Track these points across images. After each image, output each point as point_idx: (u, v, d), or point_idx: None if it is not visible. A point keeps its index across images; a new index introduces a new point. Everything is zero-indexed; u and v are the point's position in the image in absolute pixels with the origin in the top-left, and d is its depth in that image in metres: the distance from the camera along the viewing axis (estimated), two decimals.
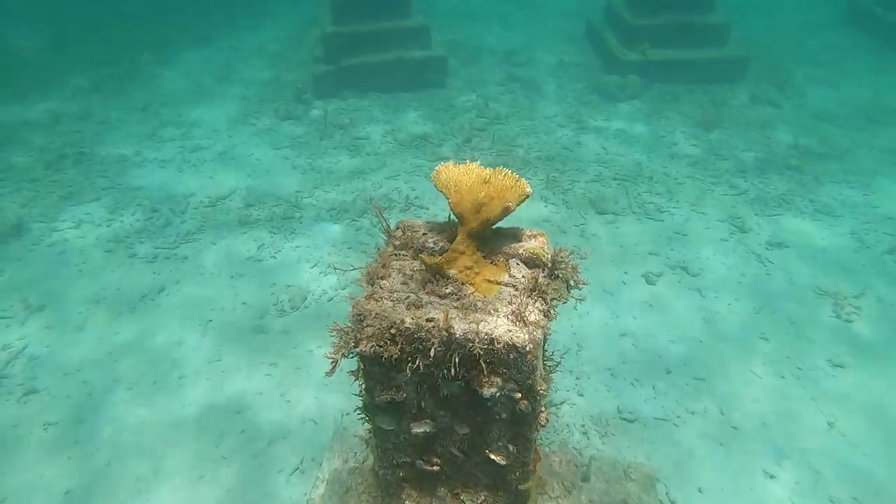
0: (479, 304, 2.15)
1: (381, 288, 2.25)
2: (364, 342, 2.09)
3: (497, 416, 2.28)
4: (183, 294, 5.84)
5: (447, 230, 2.49)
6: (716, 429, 4.57)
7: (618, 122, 8.78)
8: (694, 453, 4.40)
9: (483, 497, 2.57)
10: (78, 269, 6.18)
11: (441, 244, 2.43)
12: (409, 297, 2.17)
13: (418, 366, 2.07)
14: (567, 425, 4.59)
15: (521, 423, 2.31)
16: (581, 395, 4.83)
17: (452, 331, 2.02)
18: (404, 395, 2.25)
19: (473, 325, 2.04)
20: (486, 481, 2.55)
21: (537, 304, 2.18)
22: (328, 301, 5.73)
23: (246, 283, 5.97)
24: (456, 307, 2.13)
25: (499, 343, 2.02)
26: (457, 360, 2.04)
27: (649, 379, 4.95)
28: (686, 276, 6.00)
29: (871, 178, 7.48)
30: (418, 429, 2.32)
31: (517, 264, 2.35)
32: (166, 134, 8.63)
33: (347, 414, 4.51)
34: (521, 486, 2.54)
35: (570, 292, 2.37)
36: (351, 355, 2.17)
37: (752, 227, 6.67)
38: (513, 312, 2.10)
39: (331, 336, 2.14)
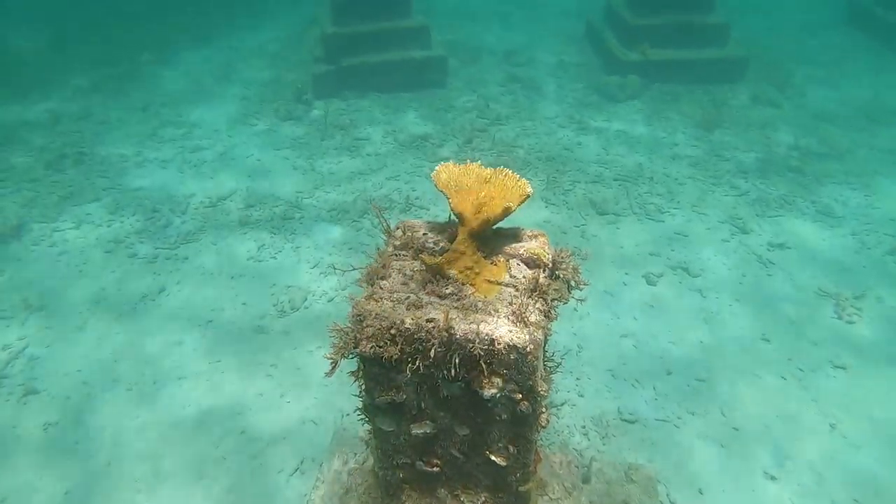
0: (480, 304, 2.14)
1: (381, 288, 2.24)
2: (364, 343, 2.08)
3: (497, 417, 2.27)
4: (183, 294, 5.84)
5: (447, 230, 2.49)
6: (717, 430, 4.56)
7: (618, 122, 8.77)
8: (695, 454, 4.39)
9: (483, 498, 2.57)
10: (78, 269, 6.17)
11: (441, 244, 2.43)
12: (409, 297, 2.16)
13: (418, 366, 2.06)
14: (568, 426, 4.58)
15: (521, 425, 2.31)
16: (581, 396, 4.82)
17: (453, 331, 2.01)
18: (404, 396, 2.24)
19: (474, 326, 2.03)
20: (486, 482, 2.54)
21: (538, 305, 2.17)
22: (328, 301, 5.72)
23: (246, 283, 5.96)
24: (456, 308, 2.13)
25: (499, 344, 2.02)
26: (457, 360, 2.04)
27: (650, 380, 4.94)
28: (687, 276, 5.99)
29: (872, 179, 7.47)
30: (418, 430, 2.31)
31: (518, 265, 2.34)
32: (166, 134, 8.62)
33: (347, 415, 4.50)
34: (521, 488, 2.53)
35: (570, 293, 2.36)
36: (351, 356, 2.16)
37: (753, 227, 6.66)
38: (513, 313, 2.10)
39: (330, 336, 2.13)
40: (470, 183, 2.42)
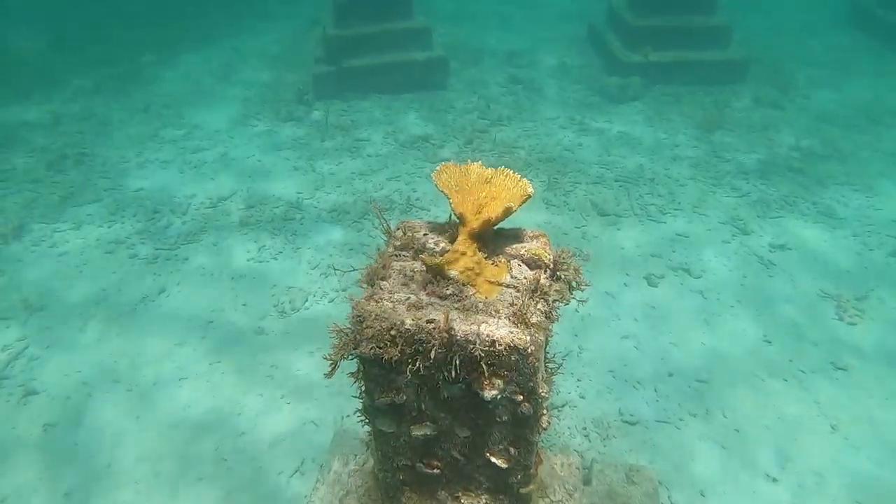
0: (481, 305, 2.13)
1: (382, 289, 2.23)
2: (364, 343, 2.07)
3: (498, 419, 2.26)
4: (183, 295, 5.83)
5: (448, 231, 2.48)
6: (718, 432, 4.54)
7: (619, 123, 8.77)
8: (696, 456, 4.38)
9: (484, 500, 2.55)
10: (78, 269, 6.17)
11: (442, 245, 2.42)
12: (409, 298, 2.15)
13: (418, 368, 2.05)
14: (569, 428, 4.57)
15: (522, 426, 2.29)
16: (582, 398, 4.80)
17: (453, 332, 2.00)
18: (404, 398, 2.23)
19: (474, 327, 2.02)
20: (486, 485, 2.53)
21: (539, 306, 2.16)
22: (329, 302, 5.71)
23: (246, 284, 5.96)
24: (457, 308, 2.12)
25: (500, 345, 2.00)
26: (457, 361, 2.02)
27: (651, 381, 4.93)
28: (688, 278, 5.98)
29: (874, 181, 7.46)
30: (418, 431, 2.30)
31: (519, 265, 2.33)
32: (167, 135, 8.63)
33: (348, 416, 4.49)
34: (522, 490, 2.52)
35: (572, 294, 2.35)
36: (351, 357, 2.15)
37: (754, 229, 6.65)
38: (514, 314, 2.08)
39: (330, 337, 2.12)
40: (471, 183, 2.41)
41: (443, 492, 2.57)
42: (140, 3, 12.82)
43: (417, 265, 2.33)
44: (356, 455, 3.29)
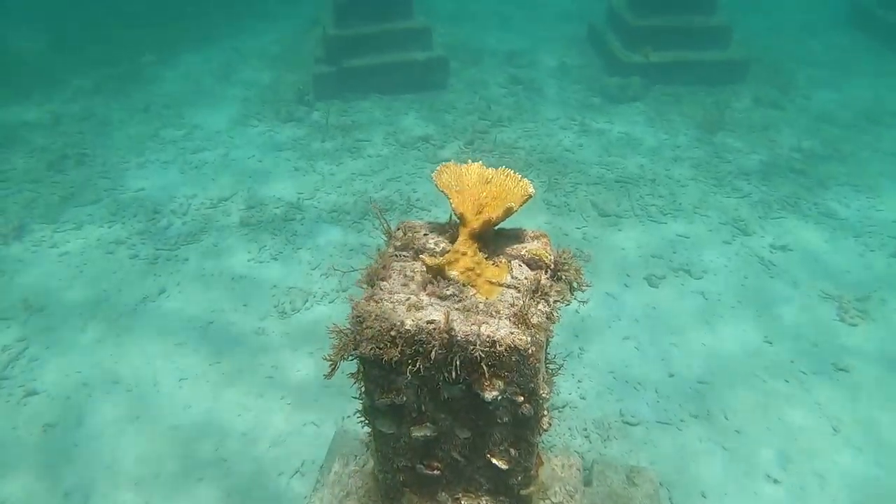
0: (481, 305, 2.12)
1: (382, 289, 2.22)
2: (364, 344, 2.06)
3: (499, 420, 2.25)
4: (184, 296, 5.82)
5: (448, 231, 2.47)
6: (719, 433, 4.53)
7: (620, 124, 8.76)
8: (697, 457, 4.37)
9: (484, 502, 2.54)
10: (79, 270, 6.16)
11: (442, 245, 2.41)
12: (409, 298, 2.14)
13: (419, 368, 2.04)
14: (569, 429, 4.56)
15: (523, 427, 2.28)
16: (583, 399, 4.79)
17: (453, 333, 1.99)
18: (404, 399, 2.22)
19: (475, 327, 2.01)
20: (487, 486, 2.52)
21: (540, 306, 2.15)
22: (329, 303, 5.71)
23: (247, 284, 5.95)
24: (457, 309, 2.11)
25: (501, 345, 2.00)
26: (458, 362, 2.01)
27: (652, 382, 4.92)
28: (689, 279, 5.97)
29: (876, 181, 7.45)
30: (419, 432, 2.29)
31: (519, 266, 2.32)
32: (168, 135, 8.62)
33: (348, 417, 4.48)
34: (523, 491, 2.51)
35: (572, 294, 2.34)
36: (350, 357, 2.14)
37: (755, 230, 6.63)
38: (515, 314, 2.08)
39: (330, 338, 2.12)
40: (471, 183, 2.41)
41: (443, 493, 2.56)
42: (140, 3, 12.82)
43: (418, 265, 2.32)
44: (356, 456, 3.28)
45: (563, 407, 4.70)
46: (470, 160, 2.52)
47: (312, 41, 10.47)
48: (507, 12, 12.85)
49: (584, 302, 2.45)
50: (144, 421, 4.66)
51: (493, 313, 2.09)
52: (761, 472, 4.27)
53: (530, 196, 2.36)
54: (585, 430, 4.55)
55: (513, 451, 2.36)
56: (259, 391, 4.88)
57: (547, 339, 2.17)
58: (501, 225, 2.38)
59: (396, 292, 2.20)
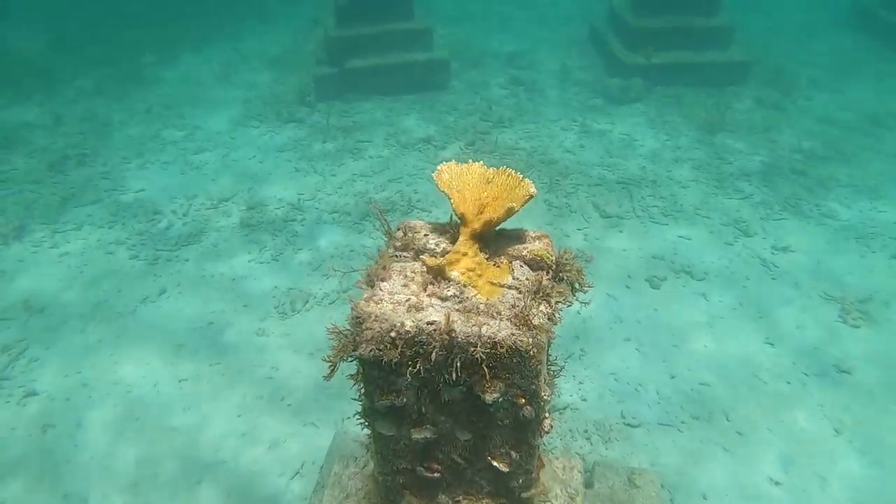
0: (482, 306, 2.11)
1: (382, 290, 2.20)
2: (363, 345, 2.05)
3: (499, 422, 2.23)
4: (184, 296, 5.81)
5: (449, 231, 2.45)
6: (720, 435, 4.51)
7: (621, 125, 8.75)
8: (698, 459, 4.35)
9: None
10: (79, 270, 6.16)
11: (443, 246, 2.39)
12: (409, 299, 2.13)
13: (419, 370, 2.03)
14: (570, 430, 4.54)
15: (524, 429, 2.27)
16: (584, 400, 4.78)
17: (454, 334, 1.98)
18: (404, 400, 2.21)
19: (476, 329, 2.00)
20: (488, 489, 2.51)
21: (541, 308, 2.13)
22: (329, 304, 5.69)
23: (247, 285, 5.94)
24: (458, 310, 2.09)
25: (502, 347, 1.98)
26: (458, 364, 2.00)
27: (653, 384, 4.90)
28: (690, 280, 5.95)
29: (877, 183, 7.43)
30: (419, 434, 2.28)
31: (521, 266, 2.31)
32: (168, 136, 8.62)
33: (348, 418, 4.47)
34: (524, 494, 2.49)
35: (574, 295, 2.33)
36: (350, 359, 2.13)
37: (756, 231, 6.62)
38: (516, 315, 2.06)
39: (330, 339, 2.10)
40: (472, 183, 2.39)
41: (443, 496, 2.55)
42: (140, 3, 12.83)
43: (418, 266, 2.31)
44: (356, 458, 3.26)
45: (565, 409, 4.69)
46: (471, 161, 2.50)
47: (313, 42, 10.47)
48: (508, 13, 12.85)
49: (585, 303, 2.44)
50: (144, 422, 4.65)
51: (495, 314, 2.08)
52: (763, 474, 4.25)
53: (532, 196, 2.34)
54: (586, 431, 4.53)
55: (514, 454, 2.35)
56: (259, 392, 4.87)
57: (548, 341, 2.15)
58: (503, 225, 2.36)
59: (396, 293, 2.18)
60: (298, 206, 7.07)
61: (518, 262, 2.33)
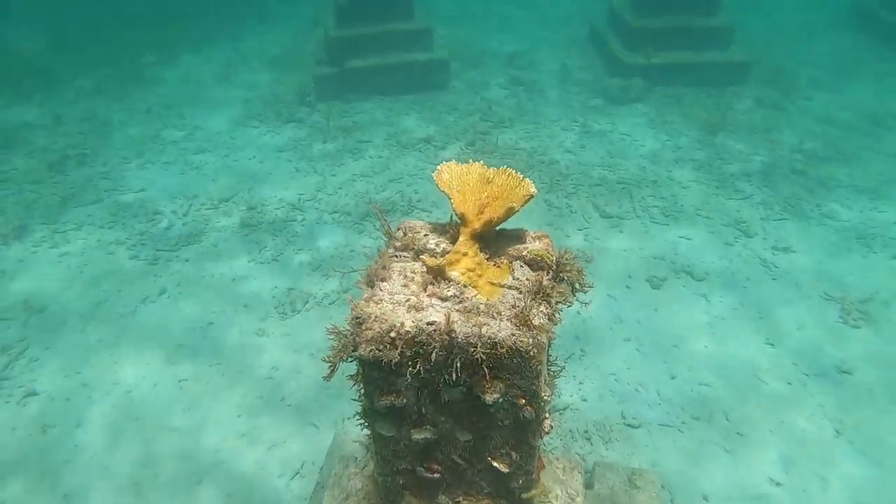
0: (482, 306, 2.10)
1: (381, 290, 2.20)
2: (363, 346, 2.04)
3: (500, 423, 2.23)
4: (184, 296, 5.81)
5: (449, 231, 2.45)
6: (721, 435, 4.51)
7: (621, 125, 8.74)
8: (699, 460, 4.34)
9: None
10: (79, 270, 6.15)
11: (443, 246, 2.39)
12: (409, 299, 2.13)
13: (419, 370, 2.02)
14: (570, 431, 4.53)
15: (524, 430, 2.26)
16: (584, 401, 4.77)
17: (454, 334, 1.97)
18: (404, 401, 2.20)
19: (476, 329, 1.99)
20: (488, 489, 2.50)
21: (542, 308, 2.13)
22: (329, 304, 5.69)
23: (247, 285, 5.93)
24: (458, 310, 2.09)
25: (502, 347, 1.98)
26: (458, 364, 2.00)
27: (653, 384, 4.90)
28: (691, 280, 5.95)
29: (878, 183, 7.42)
30: (419, 435, 2.27)
31: (521, 266, 2.30)
32: (168, 136, 8.62)
33: (348, 419, 4.46)
34: (524, 495, 2.49)
35: (574, 295, 2.32)
36: (350, 359, 2.12)
37: (757, 231, 6.61)
38: (516, 316, 2.06)
39: (329, 339, 2.10)
40: (472, 183, 2.39)
41: (443, 496, 2.54)
42: (140, 3, 12.83)
43: (418, 266, 2.30)
44: (356, 458, 3.26)
45: (565, 409, 4.68)
46: (471, 161, 2.50)
47: (313, 42, 10.47)
48: (508, 13, 12.84)
49: (585, 303, 2.43)
50: (144, 422, 4.64)
51: (495, 314, 2.07)
52: (763, 475, 4.24)
53: (532, 196, 2.34)
54: (587, 432, 4.53)
55: (514, 454, 2.34)
56: (259, 392, 4.86)
57: (549, 341, 2.15)
58: (503, 225, 2.36)
59: (396, 293, 2.18)
60: (298, 207, 7.07)
61: (518, 262, 2.33)
